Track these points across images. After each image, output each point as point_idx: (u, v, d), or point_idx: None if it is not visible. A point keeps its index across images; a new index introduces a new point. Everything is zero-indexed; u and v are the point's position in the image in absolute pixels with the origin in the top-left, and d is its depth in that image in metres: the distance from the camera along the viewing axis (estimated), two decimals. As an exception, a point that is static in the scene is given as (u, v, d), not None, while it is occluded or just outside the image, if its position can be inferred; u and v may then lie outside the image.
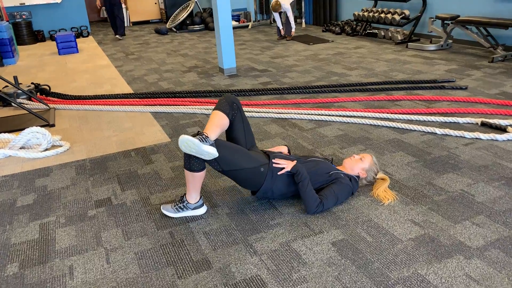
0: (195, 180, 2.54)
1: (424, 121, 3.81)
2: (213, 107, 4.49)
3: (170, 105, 4.74)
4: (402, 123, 3.76)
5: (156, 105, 4.79)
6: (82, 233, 2.54)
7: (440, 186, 2.75)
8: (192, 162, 2.46)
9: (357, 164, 2.76)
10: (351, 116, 4.04)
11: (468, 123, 3.70)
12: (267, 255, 2.23)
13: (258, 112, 4.30)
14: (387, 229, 2.36)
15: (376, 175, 2.81)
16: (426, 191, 2.70)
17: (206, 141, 2.37)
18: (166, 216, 2.64)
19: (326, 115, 4.12)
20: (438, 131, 3.53)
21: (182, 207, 2.61)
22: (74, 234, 2.53)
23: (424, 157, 3.15)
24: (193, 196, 2.60)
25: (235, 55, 7.21)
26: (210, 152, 2.35)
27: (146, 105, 4.81)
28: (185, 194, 2.62)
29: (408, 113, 3.99)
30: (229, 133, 2.72)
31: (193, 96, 5.01)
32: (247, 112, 4.33)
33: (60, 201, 2.92)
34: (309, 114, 4.15)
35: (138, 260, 2.26)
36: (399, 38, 7.17)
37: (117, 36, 9.96)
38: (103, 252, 2.35)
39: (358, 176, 2.76)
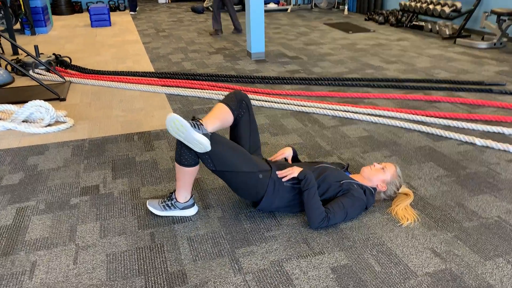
0: (185, 176, 2.23)
1: (464, 128, 3.33)
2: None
3: (187, 87, 4.45)
4: (437, 128, 3.30)
5: (172, 86, 4.51)
6: (58, 224, 2.29)
7: (472, 210, 2.32)
8: (183, 155, 2.15)
9: (377, 175, 2.37)
10: (380, 116, 3.61)
11: (515, 135, 3.21)
12: (253, 275, 1.90)
13: (278, 103, 3.93)
14: (401, 258, 1.98)
15: (398, 189, 2.41)
16: (454, 214, 2.29)
17: (199, 128, 2.04)
18: (152, 213, 2.35)
19: (353, 112, 3.70)
20: (478, 141, 3.06)
21: (170, 205, 2.31)
22: (49, 224, 2.28)
23: (458, 172, 2.71)
24: (182, 194, 2.29)
25: (268, 39, 6.83)
26: (200, 141, 2.03)
27: (163, 85, 4.54)
28: (174, 190, 2.32)
29: (446, 118, 3.52)
30: (233, 133, 2.40)
31: (213, 80, 4.69)
32: (266, 102, 3.98)
33: (46, 184, 2.69)
34: (333, 110, 3.75)
35: (107, 264, 1.99)
36: (447, 32, 6.56)
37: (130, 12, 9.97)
38: (73, 249, 2.08)
39: (375, 189, 2.37)
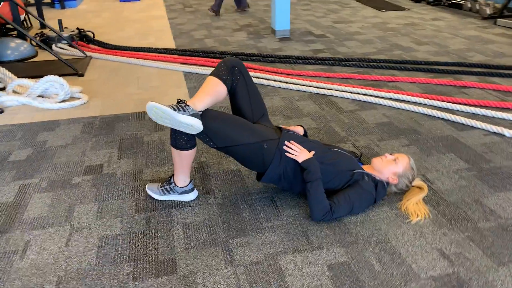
0: (182, 160, 2.14)
1: (493, 117, 3.09)
2: (251, 73, 4.04)
3: (205, 66, 4.34)
4: (463, 117, 3.08)
5: (191, 64, 4.41)
6: (57, 203, 2.26)
7: (491, 208, 2.14)
8: (178, 138, 2.06)
9: (388, 167, 2.20)
10: (403, 101, 3.40)
11: (550, 126, 2.95)
12: (245, 268, 1.81)
13: (296, 84, 3.77)
14: (405, 258, 1.84)
15: (411, 182, 2.25)
16: (470, 212, 2.11)
17: (184, 111, 1.93)
18: (151, 197, 2.29)
19: (374, 96, 3.50)
20: (508, 132, 2.83)
21: (169, 189, 2.24)
22: (48, 203, 2.26)
23: (480, 165, 2.51)
24: (181, 179, 2.22)
25: (295, 16, 6.60)
26: (190, 124, 1.93)
27: (181, 63, 4.45)
28: (173, 175, 2.25)
29: (475, 105, 3.27)
30: (233, 104, 2.27)
31: (233, 58, 4.55)
32: (283, 83, 3.82)
33: (52, 161, 2.67)
34: (354, 93, 3.56)
35: (99, 247, 1.94)
36: (488, 12, 6.14)
37: None
38: (68, 230, 2.05)
39: (387, 182, 2.21)
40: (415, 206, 2.15)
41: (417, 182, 2.29)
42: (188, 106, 1.96)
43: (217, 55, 4.64)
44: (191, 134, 2.04)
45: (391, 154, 2.27)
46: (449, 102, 3.33)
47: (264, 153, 2.07)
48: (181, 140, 2.06)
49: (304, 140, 2.18)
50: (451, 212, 2.12)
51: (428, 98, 3.39)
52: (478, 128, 2.94)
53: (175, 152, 2.12)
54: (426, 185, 2.29)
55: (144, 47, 4.95)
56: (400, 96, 3.43)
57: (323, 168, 2.10)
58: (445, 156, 2.62)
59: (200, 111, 2.02)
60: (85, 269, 1.83)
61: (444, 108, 3.26)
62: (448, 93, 3.53)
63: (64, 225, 2.10)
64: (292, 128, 2.34)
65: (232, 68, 2.17)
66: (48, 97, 3.61)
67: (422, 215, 2.09)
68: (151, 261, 1.86)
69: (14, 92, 3.68)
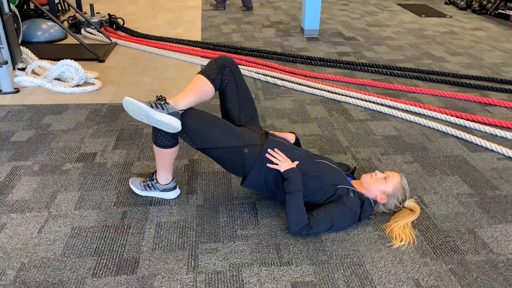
0: (163, 158, 2.11)
1: (511, 140, 2.88)
2: (268, 72, 3.96)
3: (225, 60, 4.28)
4: (479, 137, 2.87)
5: (210, 58, 4.37)
6: (42, 188, 2.28)
7: (484, 240, 1.98)
8: (159, 135, 2.02)
9: (377, 185, 2.08)
10: (418, 114, 3.22)
11: None
12: (205, 276, 1.75)
13: (311, 87, 3.66)
14: (376, 285, 1.72)
15: (400, 203, 2.11)
16: (460, 243, 1.96)
17: (163, 108, 1.89)
18: (133, 191, 2.27)
19: (388, 106, 3.34)
20: (524, 158, 2.62)
21: (150, 185, 2.21)
22: (34, 187, 2.29)
23: (485, 192, 2.33)
24: (163, 176, 2.18)
25: (329, 15, 6.44)
26: (166, 122, 1.88)
27: (202, 56, 4.42)
28: (156, 171, 2.21)
29: (495, 125, 3.05)
30: (221, 104, 2.21)
31: (253, 55, 4.49)
32: (298, 84, 3.72)
33: (49, 145, 2.71)
34: (368, 101, 3.41)
35: (69, 238, 1.94)
36: (536, 25, 5.75)
37: None
38: (44, 217, 2.06)
39: (375, 201, 2.09)
40: (401, 229, 2.01)
41: (410, 203, 2.15)
42: (167, 104, 1.92)
43: (239, 50, 4.58)
44: (172, 133, 2.00)
45: (382, 172, 2.14)
46: (468, 119, 3.12)
47: (244, 158, 2.00)
48: (161, 137, 2.02)
49: (289, 149, 2.08)
50: (439, 240, 1.98)
51: (446, 114, 3.19)
52: (492, 150, 2.74)
53: (156, 150, 2.08)
54: (419, 207, 2.15)
55: (169, 38, 4.96)
56: (416, 109, 3.26)
57: (306, 180, 2.00)
58: (449, 178, 2.46)
59: (181, 110, 1.97)
60: (50, 258, 1.82)
61: (461, 125, 3.06)
62: (470, 110, 3.32)
63: (43, 211, 2.11)
64: (282, 134, 2.25)
65: (222, 68, 2.10)
66: (64, 81, 3.67)
67: (406, 239, 1.96)
68: (115, 257, 1.84)
69: (34, 73, 3.77)
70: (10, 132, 2.85)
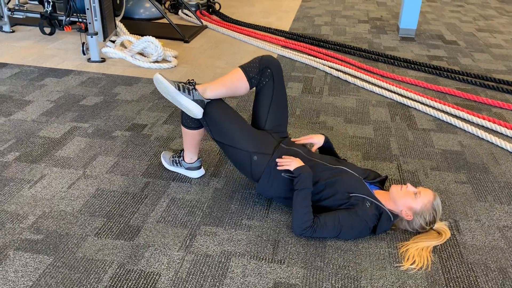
0: (187, 138, 2.16)
1: None
2: (341, 67, 3.82)
3: (303, 52, 4.22)
4: (560, 167, 2.46)
5: (290, 48, 4.33)
6: (89, 149, 2.49)
7: (514, 284, 1.70)
8: (185, 116, 2.07)
9: (405, 199, 1.89)
10: (492, 131, 2.85)
11: None
12: (194, 257, 1.77)
13: (380, 88, 3.43)
14: (364, 304, 1.59)
15: (428, 224, 1.90)
16: (482, 279, 1.71)
17: (189, 93, 1.92)
18: (162, 164, 2.36)
19: (461, 118, 3.01)
20: None
21: (177, 162, 2.28)
22: (82, 148, 2.50)
23: (540, 230, 2.00)
24: (188, 155, 2.24)
25: (436, 16, 5.95)
26: (187, 107, 1.92)
27: (282, 46, 4.40)
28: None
29: None
30: (254, 102, 2.18)
31: (335, 50, 4.34)
32: (368, 83, 3.51)
33: (110, 112, 2.92)
34: (439, 110, 3.11)
35: (90, 198, 2.09)
36: None
37: None
38: (78, 175, 2.25)
39: (397, 216, 1.92)
40: (418, 251, 1.82)
41: (440, 225, 1.93)
42: (195, 90, 1.94)
43: (322, 43, 4.46)
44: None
45: (415, 187, 1.95)
46: (554, 146, 2.68)
47: (252, 165, 1.97)
48: (187, 118, 2.06)
49: (301, 157, 1.99)
50: (459, 272, 1.75)
51: (528, 136, 2.78)
52: None
53: (183, 129, 2.14)
54: (450, 233, 1.92)
55: (257, 25, 5.01)
56: (492, 125, 2.89)
57: (318, 187, 1.92)
58: (501, 207, 2.15)
59: (208, 99, 1.98)
60: (67, 212, 1.99)
61: (542, 151, 2.65)
62: None
63: (79, 170, 2.30)
64: (307, 138, 2.18)
65: (264, 69, 2.06)
66: (146, 56, 3.92)
67: (419, 263, 1.77)
68: (121, 223, 1.94)
69: (122, 45, 4.08)
70: (82, 96, 3.13)
